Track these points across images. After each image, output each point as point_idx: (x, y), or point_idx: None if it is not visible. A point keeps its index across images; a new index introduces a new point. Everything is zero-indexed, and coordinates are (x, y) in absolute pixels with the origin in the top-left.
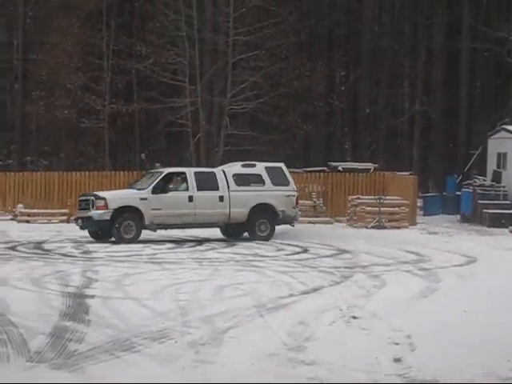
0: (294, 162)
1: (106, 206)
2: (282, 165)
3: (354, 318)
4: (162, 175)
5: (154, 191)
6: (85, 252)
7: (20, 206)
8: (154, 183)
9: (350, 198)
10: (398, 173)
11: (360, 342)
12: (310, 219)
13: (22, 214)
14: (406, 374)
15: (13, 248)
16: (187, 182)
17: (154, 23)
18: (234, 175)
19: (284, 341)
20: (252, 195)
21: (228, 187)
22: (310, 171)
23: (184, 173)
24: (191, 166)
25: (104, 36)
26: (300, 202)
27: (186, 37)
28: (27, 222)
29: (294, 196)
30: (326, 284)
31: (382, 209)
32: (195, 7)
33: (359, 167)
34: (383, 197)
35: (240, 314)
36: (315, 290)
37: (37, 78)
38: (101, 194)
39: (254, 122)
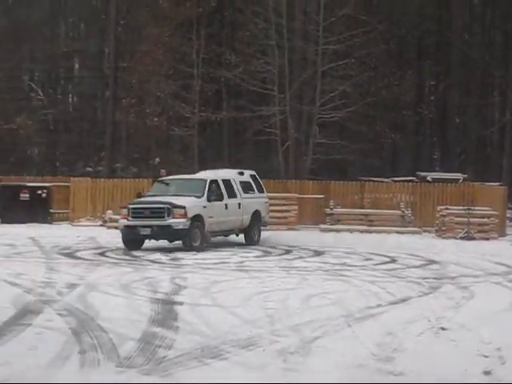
0: (381, 171)
1: (185, 215)
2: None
3: (443, 329)
4: (208, 183)
5: (209, 199)
6: (173, 259)
7: (109, 212)
8: (207, 191)
9: (438, 208)
10: (488, 183)
11: (449, 353)
12: (398, 229)
13: (112, 221)
14: None
15: (102, 254)
16: (234, 189)
17: (243, 32)
18: (240, 182)
19: (372, 351)
20: (252, 202)
21: (240, 194)
22: (399, 181)
23: (229, 180)
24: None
25: (194, 45)
26: (388, 211)
27: (275, 45)
28: (116, 228)
29: (267, 203)
30: (414, 295)
31: (470, 219)
32: (285, 16)
33: (448, 177)
34: (472, 207)
35: (328, 323)
36: (403, 300)
37: (127, 86)
38: (177, 202)
39: (343, 131)
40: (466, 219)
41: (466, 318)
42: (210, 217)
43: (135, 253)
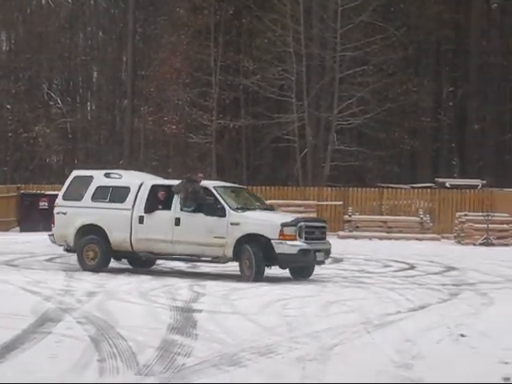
0: (400, 178)
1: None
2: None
3: (462, 336)
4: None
5: None
6: (192, 266)
7: None
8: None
9: (457, 214)
10: (507, 189)
11: (468, 360)
12: (417, 236)
13: None
14: None
15: (121, 261)
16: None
17: (261, 39)
18: None
19: (392, 358)
20: None
21: None
22: (417, 187)
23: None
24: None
25: (212, 52)
26: (407, 218)
27: (293, 52)
28: None
29: None
30: (434, 301)
31: (490, 226)
32: (302, 23)
33: (467, 183)
34: (491, 214)
35: (347, 330)
36: (422, 307)
37: (145, 94)
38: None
39: (361, 138)
40: (485, 225)
41: (486, 325)
42: None
43: None
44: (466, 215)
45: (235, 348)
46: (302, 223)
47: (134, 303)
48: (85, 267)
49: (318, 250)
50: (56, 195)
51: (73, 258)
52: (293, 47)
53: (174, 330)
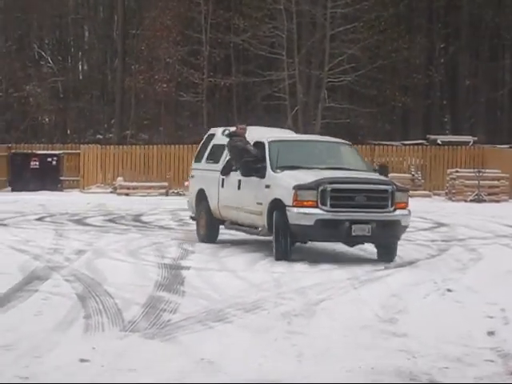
0: (391, 135)
1: (406, 205)
2: None
3: (449, 291)
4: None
5: None
6: (182, 224)
7: (120, 179)
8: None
9: (448, 171)
10: (498, 146)
11: (453, 315)
12: (408, 192)
13: (122, 187)
14: (499, 347)
15: (112, 220)
16: None
17: None
18: None
19: (377, 313)
20: None
21: None
22: (409, 144)
23: None
24: None
25: (202, 10)
26: (398, 175)
27: (283, 9)
28: (126, 194)
29: None
30: (422, 257)
31: (481, 182)
32: None
33: (458, 140)
34: (482, 170)
35: (333, 286)
36: (410, 263)
37: (136, 53)
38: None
39: (352, 95)
40: (476, 182)
41: (473, 280)
42: None
43: (145, 219)
44: (457, 172)
45: (221, 304)
46: (327, 185)
47: (123, 261)
48: (198, 237)
49: (358, 222)
50: (47, 155)
51: (64, 217)
52: (283, 4)
53: (161, 286)
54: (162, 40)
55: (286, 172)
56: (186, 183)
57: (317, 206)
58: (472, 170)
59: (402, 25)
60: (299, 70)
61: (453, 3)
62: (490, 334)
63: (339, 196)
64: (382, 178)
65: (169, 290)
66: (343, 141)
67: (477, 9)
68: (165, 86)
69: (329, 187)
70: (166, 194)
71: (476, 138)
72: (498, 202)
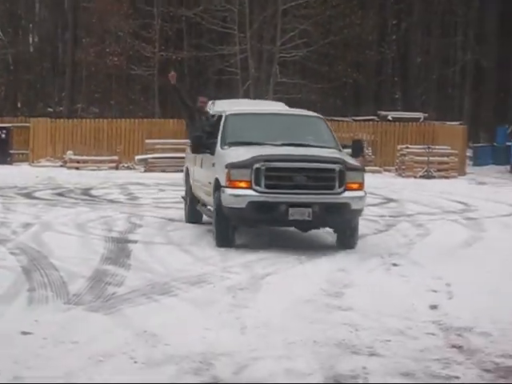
0: (343, 111)
1: (362, 185)
2: None
3: (395, 265)
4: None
5: None
6: (132, 198)
7: (70, 152)
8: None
9: (398, 147)
10: (448, 122)
11: (398, 289)
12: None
13: (72, 161)
14: (441, 320)
15: (60, 194)
16: None
17: None
18: None
19: (322, 287)
20: None
21: None
22: (360, 120)
23: None
24: None
25: None
26: (349, 150)
27: None
28: (76, 168)
29: None
30: (370, 232)
31: (430, 158)
32: None
33: (409, 116)
34: (432, 146)
35: (280, 261)
36: (358, 238)
37: (87, 25)
38: (347, 159)
39: (304, 71)
40: (425, 158)
41: (419, 255)
42: None
43: (94, 193)
44: (407, 148)
45: (167, 277)
46: (262, 163)
47: (70, 234)
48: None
49: (296, 205)
50: None
51: (12, 190)
52: None
53: (107, 260)
54: (114, 13)
55: (233, 148)
56: (137, 157)
57: (250, 187)
58: (422, 147)
59: (354, 0)
60: (251, 44)
61: None
62: (433, 307)
63: (275, 176)
64: (332, 155)
65: (115, 264)
66: (314, 114)
67: None
68: (116, 59)
69: (263, 166)
70: (116, 168)
71: (427, 115)
72: (447, 178)
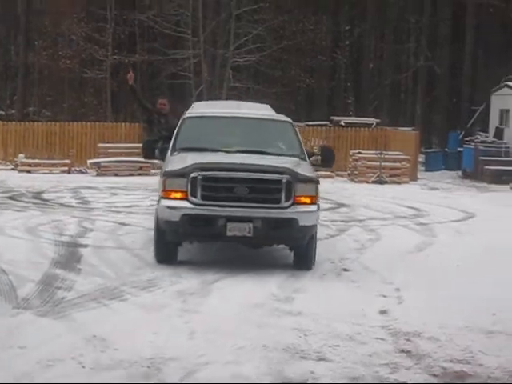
0: (296, 115)
1: (315, 198)
2: None
3: (346, 270)
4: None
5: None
6: (83, 202)
7: (21, 155)
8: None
9: (351, 152)
10: (401, 128)
11: (348, 294)
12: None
13: (23, 164)
14: (391, 325)
15: (11, 197)
16: None
17: None
18: None
19: (273, 292)
20: None
21: None
22: (313, 125)
23: None
24: None
25: None
26: None
27: None
28: (28, 172)
29: None
30: (321, 237)
31: (382, 164)
32: None
33: (361, 122)
34: (384, 152)
35: (231, 265)
36: None
37: (40, 28)
38: (299, 170)
39: (257, 75)
40: (378, 163)
41: (370, 260)
42: None
43: (46, 196)
44: (359, 153)
45: (117, 282)
46: (199, 172)
47: (20, 238)
48: None
49: (235, 219)
50: None
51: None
52: None
53: (57, 264)
54: (67, 16)
55: (181, 155)
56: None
57: (186, 199)
58: (374, 152)
59: (308, 6)
60: (204, 48)
61: None
62: (383, 312)
63: (213, 186)
64: (281, 164)
65: (65, 268)
66: (282, 118)
67: None
68: (68, 62)
69: (200, 175)
70: (69, 172)
71: (379, 120)
72: (399, 183)
